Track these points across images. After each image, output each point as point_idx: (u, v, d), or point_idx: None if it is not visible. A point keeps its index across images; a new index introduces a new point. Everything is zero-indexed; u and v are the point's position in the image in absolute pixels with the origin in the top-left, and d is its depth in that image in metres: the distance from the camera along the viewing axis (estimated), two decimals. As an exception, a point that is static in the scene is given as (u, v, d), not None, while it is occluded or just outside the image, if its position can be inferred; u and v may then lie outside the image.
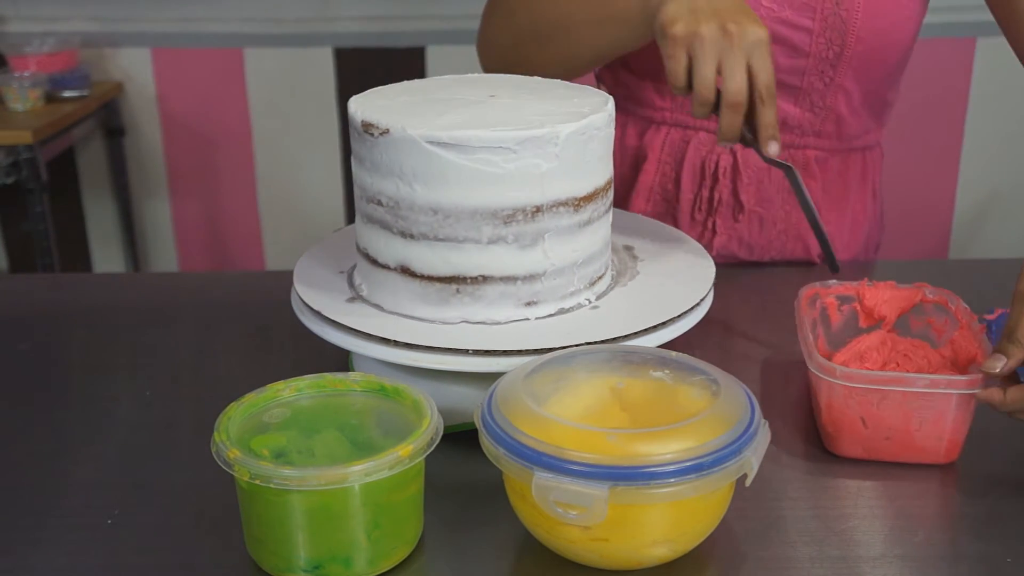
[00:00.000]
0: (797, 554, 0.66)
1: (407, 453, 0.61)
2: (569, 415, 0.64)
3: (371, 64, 2.62)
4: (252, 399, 0.68)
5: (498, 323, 0.79)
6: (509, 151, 0.74)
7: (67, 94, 2.45)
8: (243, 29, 2.64)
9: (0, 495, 0.73)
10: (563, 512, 0.60)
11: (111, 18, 2.62)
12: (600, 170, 0.81)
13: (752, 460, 0.61)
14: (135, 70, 2.67)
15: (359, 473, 0.60)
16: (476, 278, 0.78)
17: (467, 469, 0.74)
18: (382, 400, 0.69)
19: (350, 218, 2.77)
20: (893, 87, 1.14)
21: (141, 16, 2.62)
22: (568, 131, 0.76)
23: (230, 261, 2.85)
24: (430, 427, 0.64)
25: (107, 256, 2.87)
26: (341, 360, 0.87)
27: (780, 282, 1.13)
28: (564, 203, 0.78)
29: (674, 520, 0.62)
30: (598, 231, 0.82)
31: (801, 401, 0.84)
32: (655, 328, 0.78)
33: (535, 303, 0.79)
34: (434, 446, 0.64)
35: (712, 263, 0.90)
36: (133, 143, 2.73)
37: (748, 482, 0.62)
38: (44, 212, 2.28)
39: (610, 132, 0.81)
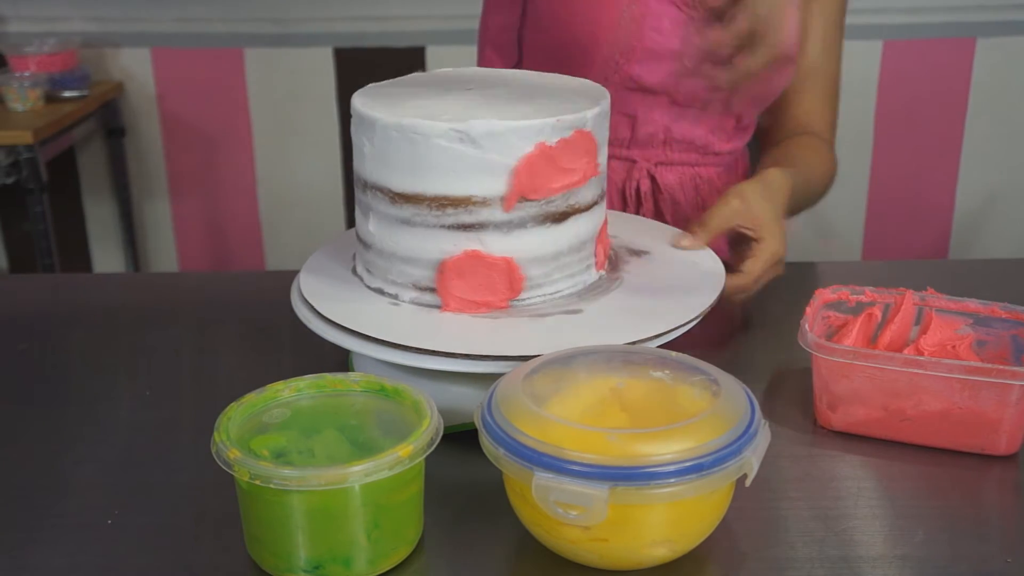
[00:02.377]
0: (797, 554, 0.66)
1: (407, 453, 0.61)
2: (569, 415, 0.64)
3: (371, 64, 2.62)
4: (252, 399, 0.68)
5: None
6: (356, 124, 0.82)
7: (67, 94, 2.45)
8: (243, 29, 2.64)
9: (0, 495, 0.73)
10: (563, 512, 0.60)
11: (111, 18, 2.62)
12: (428, 178, 0.78)
13: (752, 460, 0.61)
14: (135, 70, 2.67)
15: (359, 473, 0.60)
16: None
17: (467, 469, 0.74)
18: (382, 400, 0.69)
19: (350, 218, 2.77)
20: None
21: (141, 16, 2.62)
22: (383, 122, 0.78)
23: (230, 261, 2.85)
24: (430, 427, 0.64)
25: (107, 256, 2.87)
26: (341, 360, 0.87)
27: (781, 282, 1.13)
28: (379, 189, 0.80)
29: (674, 520, 0.62)
30: (427, 240, 0.79)
31: (802, 401, 0.84)
32: (664, 334, 0.78)
33: (367, 271, 0.85)
34: (434, 446, 0.64)
35: (721, 263, 0.90)
36: (133, 143, 2.73)
37: (748, 482, 0.62)
38: (44, 212, 2.28)
39: (459, 149, 0.77)
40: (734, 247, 1.01)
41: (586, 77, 1.11)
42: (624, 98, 1.15)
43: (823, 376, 0.79)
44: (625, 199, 1.20)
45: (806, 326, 0.79)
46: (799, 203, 1.14)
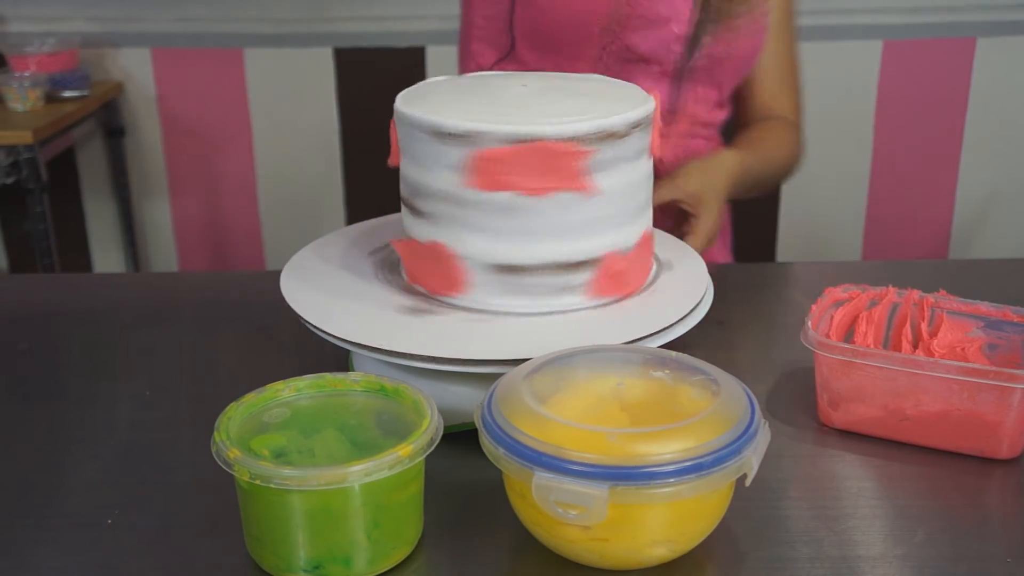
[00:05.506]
0: (797, 554, 0.66)
1: (407, 453, 0.61)
2: (569, 415, 0.64)
3: (371, 64, 2.62)
4: (252, 399, 0.68)
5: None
6: None
7: (67, 94, 2.45)
8: (243, 29, 2.64)
9: (0, 495, 0.73)
10: (563, 512, 0.60)
11: (111, 18, 2.62)
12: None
13: (752, 460, 0.61)
14: (135, 70, 2.67)
15: (359, 473, 0.60)
16: None
17: (467, 469, 0.74)
18: (382, 400, 0.69)
19: (350, 218, 2.77)
20: None
21: (141, 16, 2.62)
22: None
23: (230, 261, 2.85)
24: (430, 427, 0.64)
25: (107, 256, 2.87)
26: (341, 360, 0.87)
27: (780, 281, 1.13)
28: None
29: (674, 520, 0.62)
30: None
31: (803, 401, 0.84)
32: (658, 333, 0.78)
33: None
34: (434, 446, 0.64)
35: (703, 262, 0.91)
36: (133, 143, 2.73)
37: (748, 482, 0.62)
38: (44, 212, 2.28)
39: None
40: (676, 222, 1.10)
41: (583, 53, 1.14)
42: (620, 71, 1.18)
43: (824, 373, 0.79)
44: None
45: (810, 323, 0.79)
46: (757, 182, 1.22)
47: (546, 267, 0.79)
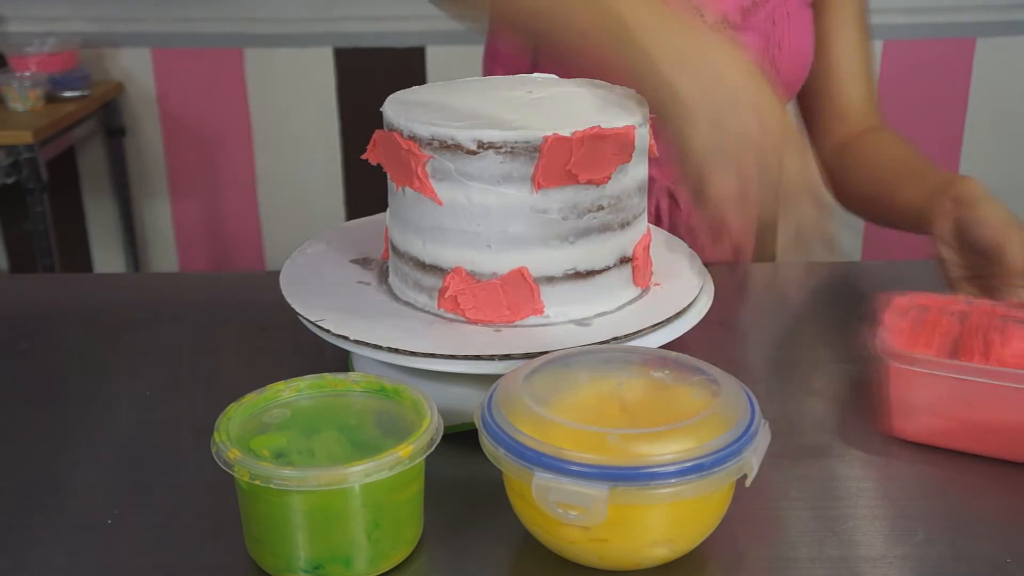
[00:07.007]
0: (797, 554, 0.66)
1: (407, 453, 0.61)
2: (569, 415, 0.63)
3: (371, 64, 2.62)
4: (252, 399, 0.68)
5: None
6: None
7: (67, 94, 2.46)
8: (243, 29, 2.64)
9: (0, 495, 0.73)
10: (563, 512, 0.60)
11: (111, 18, 2.63)
12: None
13: (752, 460, 0.61)
14: (135, 70, 2.68)
15: (359, 473, 0.60)
16: None
17: (467, 469, 0.74)
18: (382, 400, 0.69)
19: (350, 218, 2.77)
20: None
21: (141, 16, 2.62)
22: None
23: (230, 261, 2.85)
24: (430, 427, 0.64)
25: (107, 256, 2.87)
26: (341, 360, 0.87)
27: (780, 281, 1.13)
28: None
29: (674, 520, 0.62)
30: None
31: (801, 400, 0.84)
32: (654, 328, 0.78)
33: None
34: (434, 446, 0.64)
35: (700, 260, 0.90)
36: (133, 143, 2.73)
37: (748, 482, 0.62)
38: (44, 212, 2.28)
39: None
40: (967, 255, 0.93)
41: None
42: None
43: (897, 385, 0.77)
44: None
45: (882, 334, 0.77)
46: None
47: (409, 258, 0.82)
